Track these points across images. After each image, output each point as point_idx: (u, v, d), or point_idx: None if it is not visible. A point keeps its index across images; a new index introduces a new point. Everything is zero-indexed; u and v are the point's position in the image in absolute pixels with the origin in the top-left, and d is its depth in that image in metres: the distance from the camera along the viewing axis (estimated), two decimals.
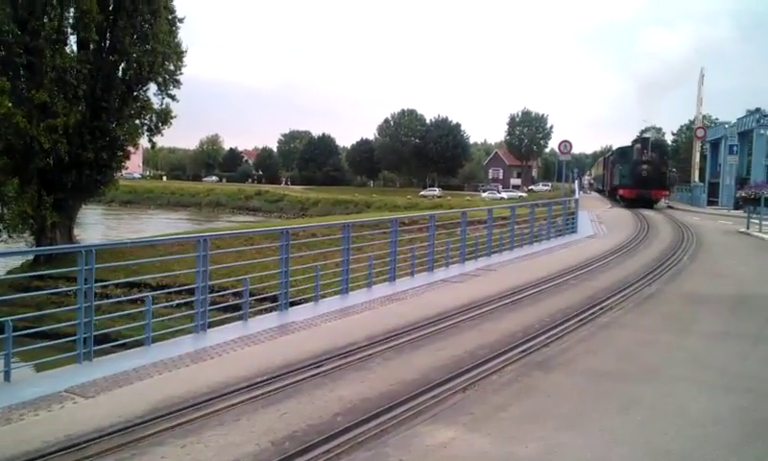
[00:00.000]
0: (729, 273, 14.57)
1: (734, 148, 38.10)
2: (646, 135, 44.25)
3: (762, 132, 37.63)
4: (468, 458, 4.77)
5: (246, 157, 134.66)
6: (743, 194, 29.16)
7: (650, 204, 37.39)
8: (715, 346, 8.33)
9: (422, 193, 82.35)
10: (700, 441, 5.21)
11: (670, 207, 39.88)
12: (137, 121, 31.04)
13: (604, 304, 10.35)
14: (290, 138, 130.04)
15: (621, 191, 39.83)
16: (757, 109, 37.80)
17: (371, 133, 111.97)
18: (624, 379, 6.81)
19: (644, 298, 11.30)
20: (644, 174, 38.01)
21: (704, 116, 50.14)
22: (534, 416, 5.67)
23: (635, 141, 43.22)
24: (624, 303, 10.72)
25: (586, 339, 8.40)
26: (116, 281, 16.06)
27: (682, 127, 79.61)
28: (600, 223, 26.78)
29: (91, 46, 28.03)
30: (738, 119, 40.61)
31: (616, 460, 4.79)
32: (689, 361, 7.51)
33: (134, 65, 29.15)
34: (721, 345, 8.38)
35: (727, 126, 42.89)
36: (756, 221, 23.91)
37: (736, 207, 33.97)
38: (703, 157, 48.82)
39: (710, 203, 41.69)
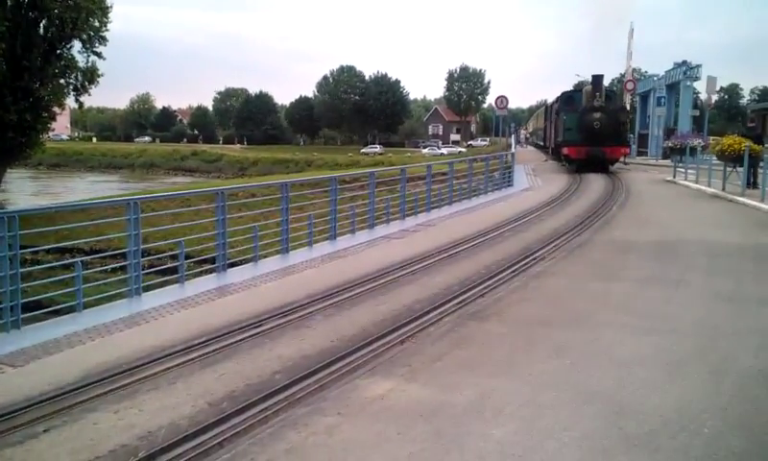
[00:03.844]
0: (655, 220, 15.19)
1: (662, 100, 39.10)
2: (597, 73, 29.81)
3: (689, 83, 38.82)
4: (404, 408, 4.90)
5: (180, 117, 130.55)
6: (670, 144, 30.27)
7: (604, 165, 28.21)
8: (640, 291, 8.70)
9: (363, 150, 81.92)
10: (624, 381, 5.45)
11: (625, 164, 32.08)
12: (62, 80, 29.85)
13: (536, 255, 10.66)
14: (225, 96, 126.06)
15: (567, 149, 29.37)
16: (684, 62, 38.77)
17: (310, 91, 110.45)
18: (554, 326, 7.07)
19: (575, 247, 11.69)
20: (596, 125, 27.79)
21: (633, 69, 51.12)
22: (469, 364, 5.85)
23: (580, 84, 37.48)
24: (555, 252, 11.07)
25: (518, 289, 8.66)
26: (46, 247, 15.48)
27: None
28: (535, 176, 27.44)
29: (8, 2, 26.55)
30: (666, 72, 41.64)
31: (545, 402, 5.00)
32: (616, 306, 7.85)
33: (56, 22, 27.84)
34: (646, 289, 8.76)
35: (655, 78, 43.93)
36: (682, 170, 25.01)
37: (664, 157, 35.09)
38: (633, 109, 50.10)
39: (640, 153, 42.92)
